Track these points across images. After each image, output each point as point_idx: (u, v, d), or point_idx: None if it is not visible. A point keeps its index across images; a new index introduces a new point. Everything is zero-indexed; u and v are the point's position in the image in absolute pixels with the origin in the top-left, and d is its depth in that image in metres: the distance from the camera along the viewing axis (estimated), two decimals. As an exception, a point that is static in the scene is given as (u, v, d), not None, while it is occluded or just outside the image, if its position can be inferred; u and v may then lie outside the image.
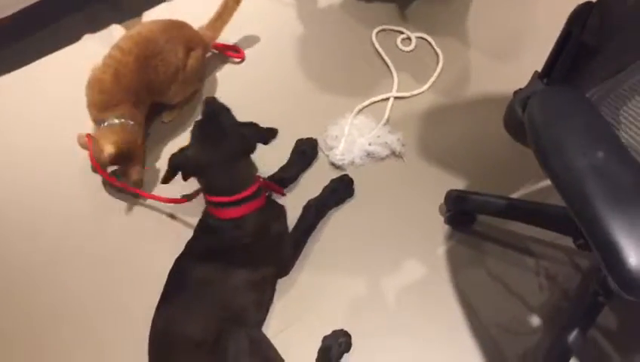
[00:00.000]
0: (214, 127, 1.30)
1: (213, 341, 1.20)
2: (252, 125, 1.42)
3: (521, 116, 0.90)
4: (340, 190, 1.52)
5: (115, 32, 1.89)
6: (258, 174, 1.41)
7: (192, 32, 1.68)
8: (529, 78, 1.20)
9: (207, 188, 1.34)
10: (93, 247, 1.51)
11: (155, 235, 1.51)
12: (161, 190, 1.52)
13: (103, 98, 1.51)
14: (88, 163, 1.56)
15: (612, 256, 0.74)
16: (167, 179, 1.36)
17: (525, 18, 1.85)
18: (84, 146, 1.52)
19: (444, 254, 1.44)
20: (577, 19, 0.82)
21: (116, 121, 1.50)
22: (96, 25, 1.90)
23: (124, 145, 1.48)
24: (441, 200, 1.49)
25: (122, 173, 1.56)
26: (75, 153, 1.54)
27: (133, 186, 1.55)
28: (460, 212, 1.45)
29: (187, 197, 1.43)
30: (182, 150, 1.36)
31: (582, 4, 0.82)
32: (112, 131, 1.49)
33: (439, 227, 1.49)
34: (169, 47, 1.57)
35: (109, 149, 1.44)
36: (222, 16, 1.75)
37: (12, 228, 1.56)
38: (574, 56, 0.84)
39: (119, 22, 1.91)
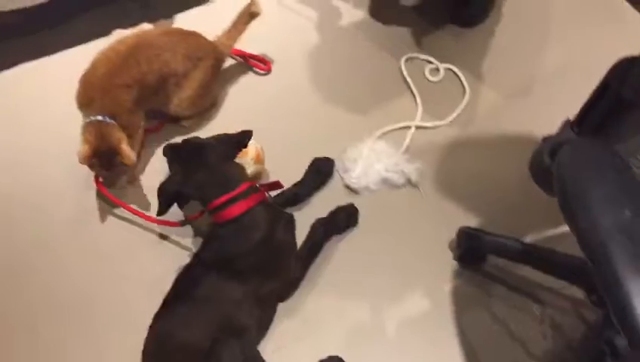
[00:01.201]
0: (190, 147, 1.37)
1: (209, 349, 1.18)
2: (223, 135, 1.43)
3: (548, 164, 0.88)
4: (343, 219, 1.49)
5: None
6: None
7: (201, 42, 1.64)
8: (555, 124, 1.18)
9: (204, 199, 1.33)
10: (98, 243, 1.51)
11: (160, 239, 1.51)
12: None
13: (86, 93, 1.48)
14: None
15: (627, 318, 0.72)
16: (162, 212, 1.35)
17: (560, 60, 1.83)
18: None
19: (450, 291, 1.42)
20: (618, 73, 0.80)
21: (99, 118, 1.46)
22: (127, 21, 1.91)
23: (101, 144, 1.44)
24: (453, 235, 1.47)
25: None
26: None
27: (129, 182, 1.57)
28: (471, 250, 1.43)
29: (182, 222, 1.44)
30: (170, 177, 1.36)
31: (624, 58, 0.80)
32: (89, 129, 1.45)
33: (448, 263, 1.46)
34: (168, 52, 1.55)
35: (82, 149, 1.43)
36: (237, 26, 1.72)
37: (17, 223, 1.56)
38: (609, 109, 0.82)
39: (150, 21, 1.91)
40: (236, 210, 1.30)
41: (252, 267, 1.29)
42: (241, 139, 1.42)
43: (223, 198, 1.30)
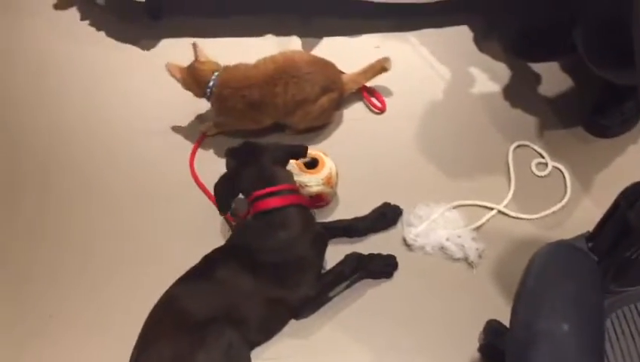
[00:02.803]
0: (251, 147, 1.47)
1: (201, 325, 1.27)
2: (282, 144, 1.52)
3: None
4: (379, 265, 1.50)
5: (294, 42, 2.07)
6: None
7: (336, 75, 1.77)
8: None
9: (249, 190, 1.43)
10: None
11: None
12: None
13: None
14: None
15: None
16: (222, 210, 1.47)
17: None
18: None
19: (459, 378, 1.36)
20: (628, 194, 0.76)
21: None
22: (281, 30, 2.10)
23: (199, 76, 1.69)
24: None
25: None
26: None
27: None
28: (494, 345, 1.35)
29: (237, 219, 1.52)
30: (220, 180, 1.46)
31: (636, 183, 0.75)
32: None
33: (470, 351, 1.40)
34: (308, 77, 1.68)
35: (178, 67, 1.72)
36: (366, 74, 1.84)
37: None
38: (620, 231, 0.77)
39: (300, 35, 2.08)
40: (272, 202, 1.38)
41: (269, 265, 1.35)
42: (296, 151, 1.52)
43: (264, 191, 1.39)
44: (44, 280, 1.58)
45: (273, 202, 1.38)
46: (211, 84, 1.70)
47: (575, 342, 0.68)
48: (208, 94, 1.71)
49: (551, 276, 0.75)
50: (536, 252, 0.79)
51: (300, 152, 1.53)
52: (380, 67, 1.84)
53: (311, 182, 1.53)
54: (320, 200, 1.58)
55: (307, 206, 1.47)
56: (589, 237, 0.85)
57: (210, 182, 1.60)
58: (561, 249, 0.80)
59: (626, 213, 0.75)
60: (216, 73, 1.70)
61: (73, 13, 2.24)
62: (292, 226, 1.38)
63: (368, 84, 1.89)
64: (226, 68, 1.73)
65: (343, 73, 1.83)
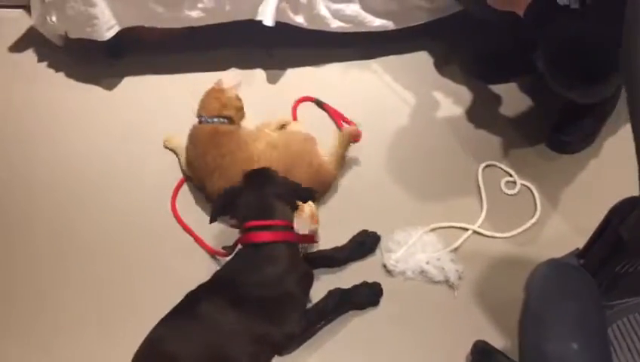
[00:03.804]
0: (264, 174, 1.46)
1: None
2: (295, 183, 1.49)
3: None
4: (366, 295, 1.50)
5: (258, 75, 2.08)
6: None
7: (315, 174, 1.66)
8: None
9: (243, 217, 1.41)
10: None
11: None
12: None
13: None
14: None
15: None
16: (211, 221, 1.46)
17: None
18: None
19: (449, 402, 1.36)
20: (619, 210, 0.78)
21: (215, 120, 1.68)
22: (245, 63, 2.11)
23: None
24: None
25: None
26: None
27: None
28: (482, 367, 1.37)
29: (227, 250, 1.49)
30: (227, 190, 1.46)
31: (626, 199, 0.78)
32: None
33: (458, 374, 1.41)
34: (297, 169, 1.62)
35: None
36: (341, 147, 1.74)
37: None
38: (611, 246, 0.80)
39: (264, 68, 2.10)
40: (262, 236, 1.37)
41: (254, 301, 1.33)
42: (305, 194, 1.49)
43: (257, 222, 1.38)
44: (19, 338, 1.51)
45: (262, 236, 1.37)
46: None
47: (585, 360, 0.70)
48: None
49: (553, 296, 0.77)
50: (532, 273, 0.81)
51: (309, 196, 1.51)
52: (348, 136, 1.74)
53: (302, 223, 1.53)
54: (310, 239, 1.57)
55: (298, 243, 1.46)
56: (580, 254, 0.88)
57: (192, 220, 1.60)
58: (558, 268, 0.82)
59: (619, 228, 0.78)
60: None
61: (29, 55, 2.19)
62: (279, 263, 1.37)
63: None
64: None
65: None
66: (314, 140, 1.72)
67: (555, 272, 0.81)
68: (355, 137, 1.74)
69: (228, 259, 1.48)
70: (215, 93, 1.72)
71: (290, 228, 1.43)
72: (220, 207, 1.45)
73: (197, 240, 1.65)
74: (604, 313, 0.80)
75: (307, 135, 1.73)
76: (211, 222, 1.46)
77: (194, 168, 1.70)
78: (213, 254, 1.61)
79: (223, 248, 1.49)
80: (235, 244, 1.44)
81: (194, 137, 1.70)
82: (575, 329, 0.73)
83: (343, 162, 1.75)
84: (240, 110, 1.74)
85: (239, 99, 1.74)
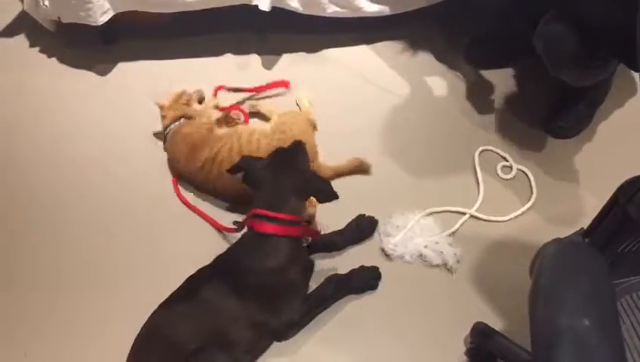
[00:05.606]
0: (290, 158, 1.43)
1: (193, 355, 1.23)
2: (322, 179, 1.47)
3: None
4: (364, 279, 1.50)
5: (253, 60, 2.07)
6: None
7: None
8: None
9: (257, 201, 1.41)
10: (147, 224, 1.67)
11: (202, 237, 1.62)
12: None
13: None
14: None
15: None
16: (230, 171, 1.47)
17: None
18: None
19: (449, 383, 1.37)
20: (627, 189, 0.79)
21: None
22: (240, 49, 2.09)
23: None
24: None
25: None
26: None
27: None
28: (481, 348, 1.38)
29: (237, 226, 1.48)
30: (255, 158, 1.46)
31: (633, 178, 0.79)
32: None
33: (457, 356, 1.42)
34: None
35: None
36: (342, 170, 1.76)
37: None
38: (618, 225, 0.81)
39: (259, 54, 2.08)
40: (266, 228, 1.36)
41: (255, 288, 1.33)
42: (325, 195, 1.41)
43: (266, 212, 1.37)
44: (17, 319, 1.50)
45: (266, 228, 1.36)
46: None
47: (596, 336, 0.71)
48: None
49: (565, 273, 0.78)
50: (541, 251, 0.82)
51: (327, 198, 1.41)
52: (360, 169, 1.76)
53: None
54: (314, 233, 1.55)
55: (301, 238, 1.45)
56: (586, 232, 0.88)
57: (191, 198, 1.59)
58: (568, 246, 0.83)
59: (626, 207, 0.79)
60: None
61: (21, 40, 2.16)
62: (281, 255, 1.36)
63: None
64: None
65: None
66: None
67: (565, 249, 0.82)
68: (364, 173, 1.76)
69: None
70: (162, 112, 1.79)
71: (297, 223, 1.41)
72: (243, 165, 1.44)
73: (205, 217, 1.65)
74: (614, 288, 0.81)
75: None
76: (230, 172, 1.47)
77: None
78: (221, 230, 1.61)
79: (234, 223, 1.48)
80: (243, 225, 1.44)
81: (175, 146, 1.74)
82: (587, 305, 0.74)
83: (334, 177, 1.73)
84: (187, 104, 1.80)
85: (179, 98, 1.80)
